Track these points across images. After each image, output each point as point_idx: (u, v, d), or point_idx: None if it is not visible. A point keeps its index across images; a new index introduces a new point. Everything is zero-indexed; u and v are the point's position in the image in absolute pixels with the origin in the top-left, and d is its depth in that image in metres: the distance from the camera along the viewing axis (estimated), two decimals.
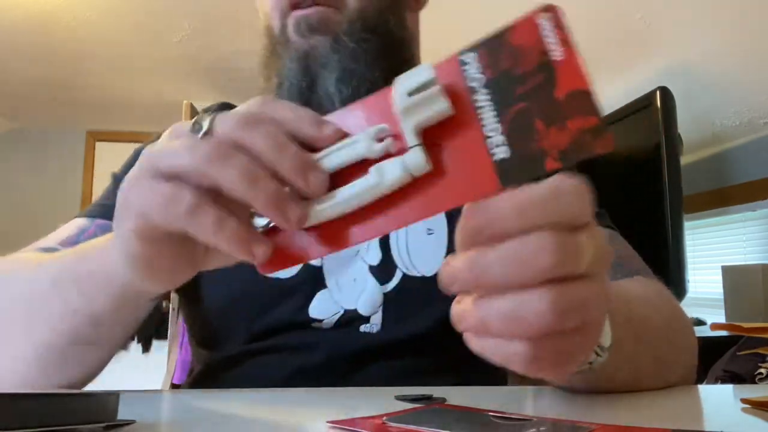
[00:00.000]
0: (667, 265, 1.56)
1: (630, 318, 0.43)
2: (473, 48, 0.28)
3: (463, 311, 0.27)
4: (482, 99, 0.28)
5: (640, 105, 1.70)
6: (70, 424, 0.27)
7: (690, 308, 2.09)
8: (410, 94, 0.28)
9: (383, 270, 0.59)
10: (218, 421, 0.35)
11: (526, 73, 0.27)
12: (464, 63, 0.28)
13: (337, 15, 0.60)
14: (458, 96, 0.28)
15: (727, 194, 1.97)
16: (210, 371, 0.59)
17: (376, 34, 0.61)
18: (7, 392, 0.24)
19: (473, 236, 0.26)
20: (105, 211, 0.62)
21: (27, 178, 4.16)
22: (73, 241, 0.57)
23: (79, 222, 0.61)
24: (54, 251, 0.54)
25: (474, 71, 0.28)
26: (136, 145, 0.73)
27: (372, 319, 0.57)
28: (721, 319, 1.84)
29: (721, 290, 1.76)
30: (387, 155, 0.29)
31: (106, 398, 0.30)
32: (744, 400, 0.39)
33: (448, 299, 0.29)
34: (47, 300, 0.42)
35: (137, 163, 0.31)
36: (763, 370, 1.18)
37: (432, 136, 0.28)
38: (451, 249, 0.60)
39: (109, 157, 4.26)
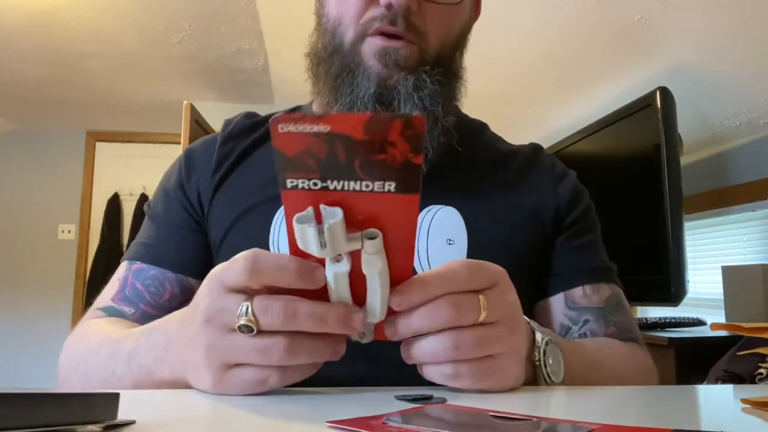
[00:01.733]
0: (667, 265, 1.56)
1: (590, 364, 0.55)
2: (287, 180, 0.35)
3: (406, 354, 0.43)
4: (334, 185, 0.35)
5: (640, 105, 1.69)
6: (70, 424, 0.27)
7: (690, 308, 2.09)
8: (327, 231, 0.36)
9: None
10: (218, 421, 0.35)
11: (330, 153, 0.34)
12: (295, 187, 0.35)
13: (419, 53, 0.61)
14: (334, 198, 0.35)
15: (727, 194, 1.97)
16: None
17: (448, 77, 0.64)
18: (7, 392, 0.24)
19: (402, 306, 0.40)
20: (142, 251, 0.67)
21: (27, 178, 4.16)
22: (121, 297, 0.65)
23: (121, 271, 0.68)
24: (111, 310, 0.64)
25: (307, 183, 0.35)
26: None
27: None
28: (721, 319, 1.84)
29: (721, 290, 1.75)
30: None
31: (106, 398, 0.30)
32: (744, 400, 0.39)
33: None
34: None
35: (208, 353, 0.41)
36: (763, 370, 1.18)
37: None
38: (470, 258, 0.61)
39: (109, 157, 4.27)
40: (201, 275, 0.66)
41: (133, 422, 0.32)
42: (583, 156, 2.01)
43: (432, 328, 0.41)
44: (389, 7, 0.59)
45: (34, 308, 4.02)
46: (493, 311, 0.42)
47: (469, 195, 0.65)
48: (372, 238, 0.37)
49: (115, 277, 0.68)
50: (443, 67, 0.63)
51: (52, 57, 2.95)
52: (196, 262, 0.66)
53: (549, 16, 1.75)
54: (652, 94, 1.64)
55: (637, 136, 1.73)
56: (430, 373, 0.43)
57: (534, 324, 0.50)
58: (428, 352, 0.41)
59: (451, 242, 0.62)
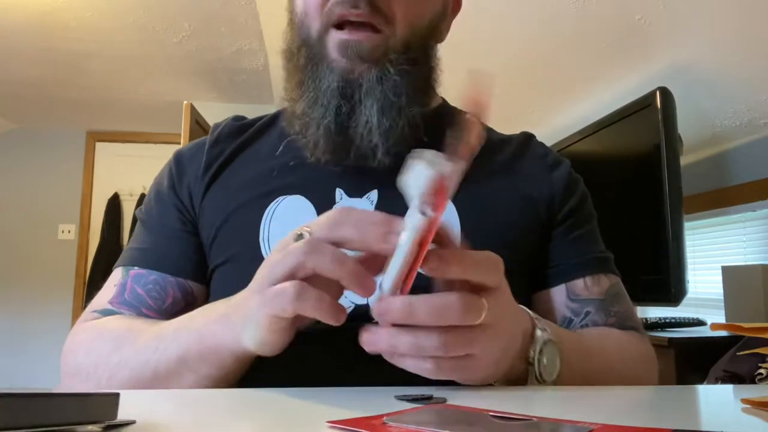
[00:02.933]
0: (667, 265, 1.56)
1: (590, 357, 0.56)
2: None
3: (375, 338, 0.41)
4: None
5: (640, 105, 1.69)
6: (70, 424, 0.27)
7: (690, 308, 2.09)
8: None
9: None
10: (218, 421, 0.35)
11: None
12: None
13: (384, 42, 0.60)
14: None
15: (727, 194, 1.97)
16: None
17: (417, 66, 0.62)
18: (7, 392, 0.24)
19: (435, 273, 0.41)
20: (139, 256, 0.66)
21: (27, 178, 4.16)
22: (120, 301, 0.63)
23: (117, 276, 0.66)
24: (109, 312, 0.63)
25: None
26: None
27: None
28: (721, 319, 1.84)
29: (721, 290, 1.75)
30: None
31: (106, 398, 0.30)
32: (744, 400, 0.39)
33: None
34: (178, 372, 0.52)
35: (259, 275, 0.45)
36: (763, 370, 1.18)
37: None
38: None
39: (109, 157, 4.27)
40: (200, 278, 0.66)
41: (133, 422, 0.32)
42: (583, 156, 2.01)
43: (434, 324, 0.40)
44: None
45: (35, 308, 4.02)
46: (489, 315, 0.42)
47: (460, 182, 0.65)
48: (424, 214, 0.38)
49: (110, 282, 0.66)
50: (412, 55, 0.61)
51: (52, 57, 2.95)
52: (196, 266, 0.65)
53: (549, 16, 1.75)
54: (652, 94, 1.64)
55: (637, 136, 1.73)
56: (407, 363, 0.41)
57: (537, 321, 0.50)
58: (413, 345, 0.40)
59: None
